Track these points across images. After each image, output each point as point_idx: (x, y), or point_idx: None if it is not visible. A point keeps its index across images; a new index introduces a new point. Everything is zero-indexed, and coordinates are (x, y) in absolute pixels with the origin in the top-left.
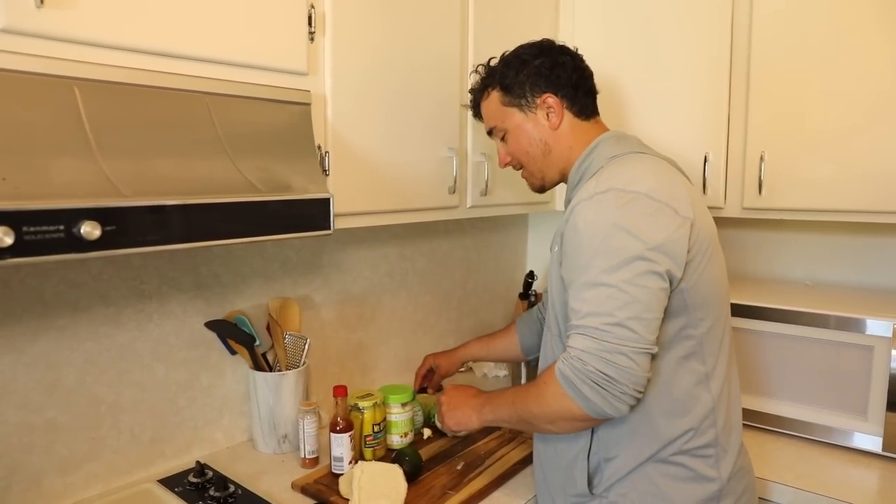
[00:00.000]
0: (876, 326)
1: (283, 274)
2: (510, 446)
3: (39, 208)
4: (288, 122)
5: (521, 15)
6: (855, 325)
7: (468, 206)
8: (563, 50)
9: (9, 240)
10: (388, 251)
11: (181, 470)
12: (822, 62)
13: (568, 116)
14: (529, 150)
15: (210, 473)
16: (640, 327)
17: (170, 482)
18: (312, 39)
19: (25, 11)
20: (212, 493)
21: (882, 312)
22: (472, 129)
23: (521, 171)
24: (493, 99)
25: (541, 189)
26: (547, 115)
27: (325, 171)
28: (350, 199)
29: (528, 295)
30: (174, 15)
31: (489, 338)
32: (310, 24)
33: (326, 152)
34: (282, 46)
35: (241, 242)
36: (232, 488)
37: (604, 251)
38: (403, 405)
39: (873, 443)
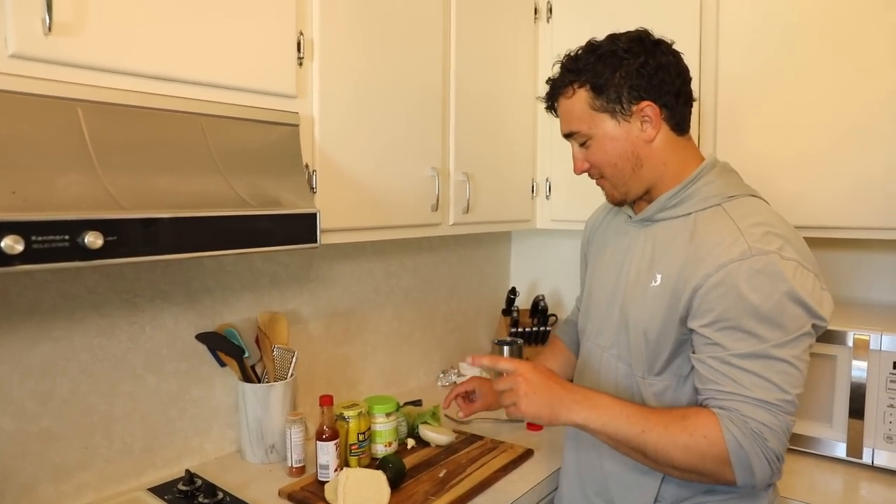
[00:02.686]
0: (839, 337)
1: (272, 288)
2: (492, 455)
3: (47, 219)
4: (277, 142)
5: (501, 37)
6: (820, 336)
7: (450, 224)
8: (666, 48)
9: (19, 247)
10: (374, 267)
11: (171, 479)
12: (786, 91)
13: (664, 129)
14: (618, 163)
15: (199, 482)
16: (798, 402)
17: (160, 490)
18: (301, 64)
19: (34, 38)
20: (201, 500)
21: (844, 324)
22: (455, 150)
23: (598, 180)
24: (580, 99)
25: (620, 202)
26: (642, 124)
27: (313, 188)
28: (336, 216)
29: (511, 311)
30: (172, 41)
31: (545, 357)
32: (298, 49)
33: (314, 171)
34: (272, 71)
35: (233, 254)
36: (221, 495)
37: (774, 321)
38: (388, 415)
39: (838, 448)
